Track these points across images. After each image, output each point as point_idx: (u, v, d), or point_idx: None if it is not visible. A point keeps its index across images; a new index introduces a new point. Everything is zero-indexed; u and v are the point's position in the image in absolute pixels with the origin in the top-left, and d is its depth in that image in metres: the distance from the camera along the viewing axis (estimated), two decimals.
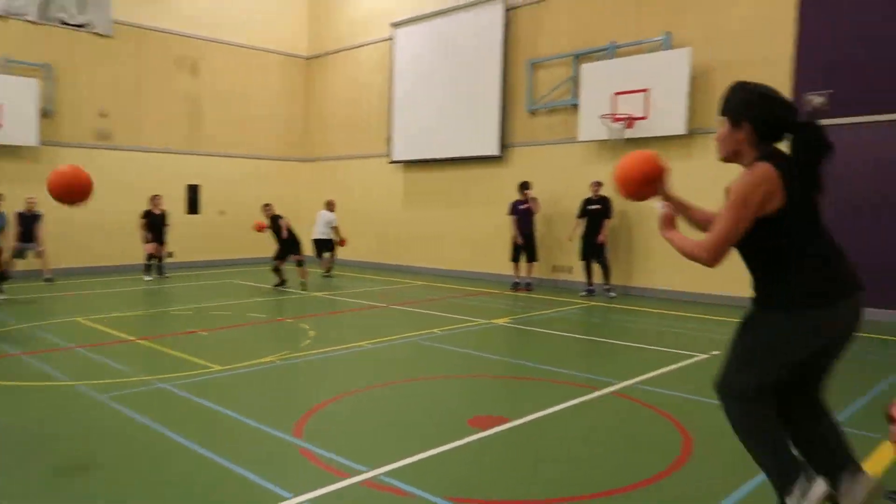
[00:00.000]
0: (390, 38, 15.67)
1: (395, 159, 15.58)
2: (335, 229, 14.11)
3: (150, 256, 13.51)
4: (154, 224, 13.43)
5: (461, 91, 14.20)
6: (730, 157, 2.84)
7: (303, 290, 11.81)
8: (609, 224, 11.42)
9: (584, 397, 5.48)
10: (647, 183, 3.07)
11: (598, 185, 11.48)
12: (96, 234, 14.56)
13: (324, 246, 14.13)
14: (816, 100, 9.63)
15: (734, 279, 10.45)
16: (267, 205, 12.59)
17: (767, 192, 2.63)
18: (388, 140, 15.74)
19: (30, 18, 13.67)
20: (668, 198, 3.11)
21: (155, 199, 13.58)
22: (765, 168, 2.65)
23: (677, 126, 10.82)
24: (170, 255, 14.86)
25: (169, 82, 15.70)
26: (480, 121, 13.86)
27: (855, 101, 9.41)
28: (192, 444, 4.36)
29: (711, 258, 2.69)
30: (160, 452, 4.27)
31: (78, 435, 4.60)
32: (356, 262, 16.48)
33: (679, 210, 3.12)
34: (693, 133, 10.88)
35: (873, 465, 4.07)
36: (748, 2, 10.48)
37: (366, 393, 5.66)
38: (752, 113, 2.72)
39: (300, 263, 12.21)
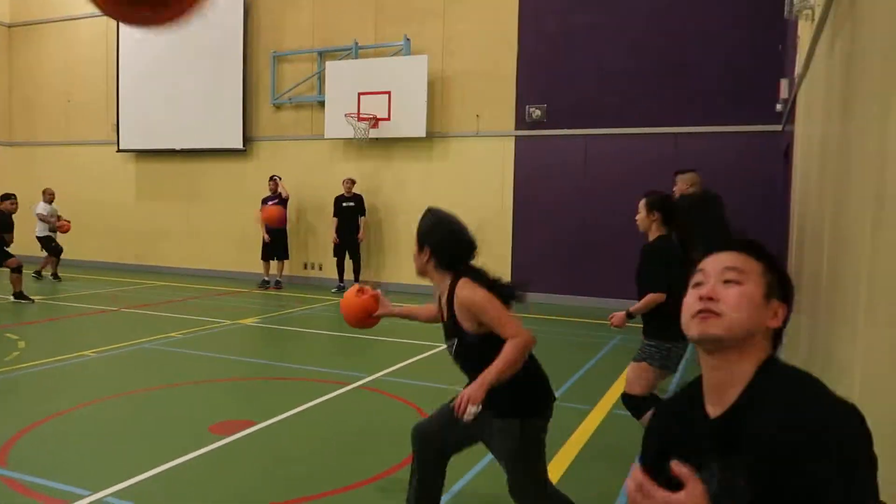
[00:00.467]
0: None
1: (124, 148, 14.13)
2: (43, 218, 12.24)
3: None
4: None
5: (200, 79, 13.33)
6: (421, 273, 2.97)
7: (19, 300, 9.61)
8: (364, 221, 11.62)
9: (333, 393, 5.51)
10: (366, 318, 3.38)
11: (352, 182, 11.61)
12: None
13: (46, 242, 12.27)
14: (535, 112, 10.81)
15: None
16: None
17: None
18: (116, 126, 14.21)
19: None
20: (393, 315, 3.34)
21: None
22: (475, 286, 2.78)
23: (418, 129, 11.37)
24: None
25: None
26: (222, 111, 13.16)
27: (567, 116, 10.74)
28: None
29: (527, 337, 2.69)
30: None
31: None
32: (84, 261, 14.58)
33: (407, 316, 3.41)
34: (432, 136, 11.52)
35: (585, 429, 4.70)
36: (476, 17, 11.35)
37: (90, 408, 5.06)
38: (431, 239, 2.87)
39: (15, 270, 9.61)
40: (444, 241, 2.87)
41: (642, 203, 4.16)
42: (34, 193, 13.48)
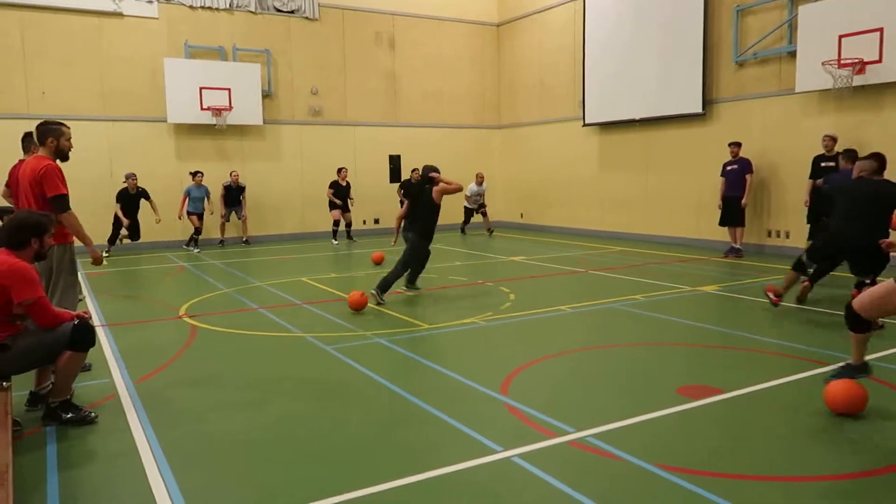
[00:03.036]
0: None
1: (588, 122, 15.22)
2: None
3: (336, 223, 14.66)
4: (338, 194, 14.61)
5: (657, 46, 13.45)
6: None
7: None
8: None
9: (808, 372, 5.05)
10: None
11: (833, 140, 10.26)
12: (289, 204, 15.99)
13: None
14: None
15: None
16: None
17: None
18: (581, 103, 15.39)
19: (251, 9, 15.14)
20: None
21: (341, 171, 14.72)
22: None
23: None
24: (376, 220, 16.26)
25: (369, 58, 16.62)
26: (679, 77, 13.05)
27: None
28: (407, 394, 4.69)
29: None
30: (379, 398, 4.65)
31: (310, 378, 5.15)
32: (551, 227, 16.46)
33: None
34: None
35: None
36: None
37: (568, 356, 5.67)
38: None
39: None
40: None
41: None
42: (518, 169, 15.59)
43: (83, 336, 4.15)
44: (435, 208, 8.18)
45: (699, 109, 12.75)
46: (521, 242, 14.32)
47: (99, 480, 3.52)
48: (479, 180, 16.06)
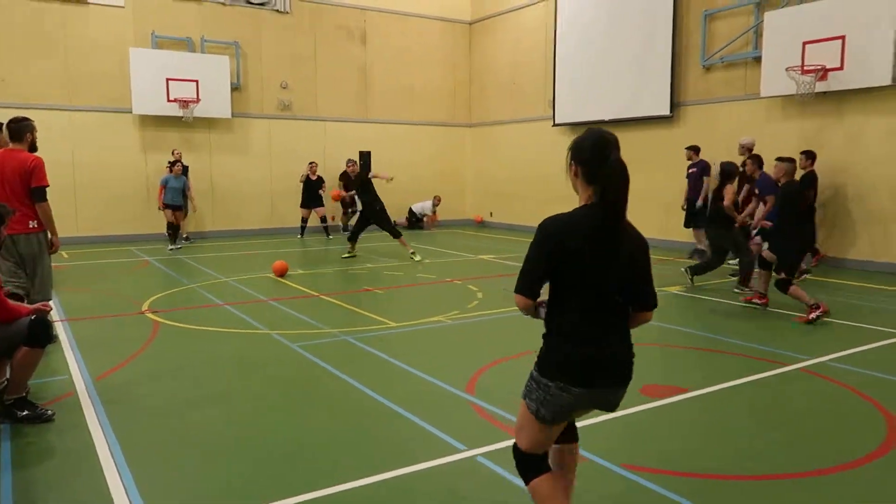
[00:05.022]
0: None
1: (558, 122, 15.31)
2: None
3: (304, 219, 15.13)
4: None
5: (627, 48, 13.58)
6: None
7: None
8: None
9: (767, 372, 5.15)
10: None
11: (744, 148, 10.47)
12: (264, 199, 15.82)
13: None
14: None
15: None
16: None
17: None
18: (551, 102, 15.48)
19: (220, 0, 14.90)
20: None
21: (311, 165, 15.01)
22: None
23: (881, 76, 9.63)
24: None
25: (340, 53, 16.48)
26: (649, 79, 13.21)
27: None
28: (372, 392, 4.66)
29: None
30: (344, 396, 4.62)
31: (274, 376, 5.09)
32: (520, 225, 16.53)
33: None
34: None
35: None
36: None
37: (534, 356, 5.68)
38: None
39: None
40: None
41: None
42: (488, 167, 15.54)
43: (40, 331, 4.05)
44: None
45: (667, 112, 12.92)
46: (489, 241, 14.36)
47: (55, 479, 3.43)
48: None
